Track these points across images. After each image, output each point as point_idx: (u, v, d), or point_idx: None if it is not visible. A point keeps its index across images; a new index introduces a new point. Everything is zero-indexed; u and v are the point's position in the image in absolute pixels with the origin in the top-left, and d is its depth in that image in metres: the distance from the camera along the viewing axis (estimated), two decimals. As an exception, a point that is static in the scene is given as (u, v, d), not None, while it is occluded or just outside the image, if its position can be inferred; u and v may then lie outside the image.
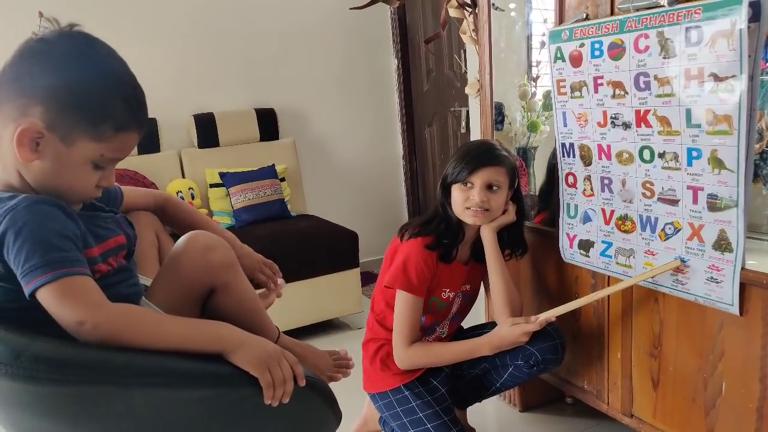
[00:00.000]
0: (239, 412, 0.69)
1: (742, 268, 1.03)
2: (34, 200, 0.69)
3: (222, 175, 2.54)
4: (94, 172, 0.74)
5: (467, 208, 1.31)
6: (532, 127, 1.65)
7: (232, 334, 0.74)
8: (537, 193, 1.62)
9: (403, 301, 1.31)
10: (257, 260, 1.04)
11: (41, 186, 0.73)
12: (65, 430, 0.67)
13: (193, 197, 2.49)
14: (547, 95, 1.54)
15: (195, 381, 0.67)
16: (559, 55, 1.28)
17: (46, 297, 0.66)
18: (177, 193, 2.46)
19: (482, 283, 1.45)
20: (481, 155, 1.31)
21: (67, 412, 0.66)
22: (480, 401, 1.52)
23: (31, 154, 0.70)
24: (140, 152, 2.52)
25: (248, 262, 1.00)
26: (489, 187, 1.30)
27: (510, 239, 1.39)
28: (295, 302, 2.27)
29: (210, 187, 2.54)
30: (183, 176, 2.58)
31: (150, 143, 2.55)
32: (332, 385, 0.86)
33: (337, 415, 0.81)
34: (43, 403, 0.65)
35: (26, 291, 0.67)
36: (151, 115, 3.19)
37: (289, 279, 2.24)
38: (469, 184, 1.30)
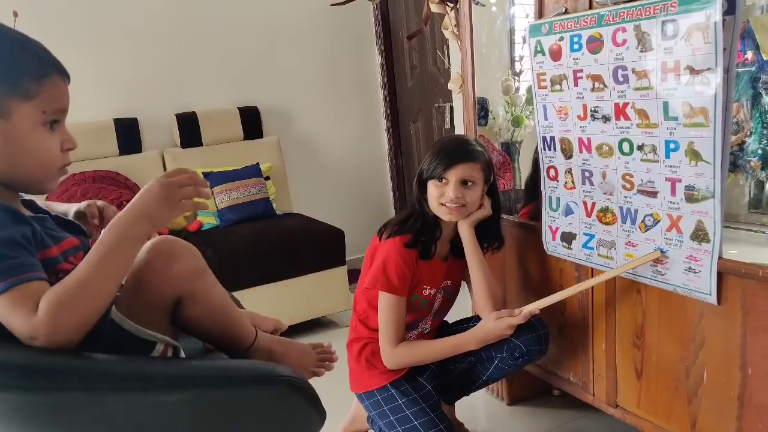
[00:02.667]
0: (219, 414, 0.68)
1: (720, 258, 1.04)
2: None
3: (206, 174, 2.51)
4: (49, 134, 0.72)
5: (442, 204, 1.31)
6: (516, 122, 1.65)
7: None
8: (522, 188, 1.63)
9: (385, 303, 1.31)
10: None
11: (9, 175, 0.71)
12: (40, 437, 0.66)
13: (176, 197, 2.46)
14: (530, 90, 1.54)
15: (169, 384, 0.66)
16: (539, 49, 1.28)
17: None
18: (160, 193, 2.43)
19: (463, 278, 1.46)
20: (456, 151, 1.32)
21: (39, 420, 0.65)
22: (467, 395, 1.52)
23: None
24: (121, 152, 2.49)
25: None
26: (464, 182, 1.30)
27: (486, 233, 1.40)
28: (282, 301, 2.26)
29: (194, 187, 2.52)
30: (166, 176, 2.55)
31: (132, 143, 2.52)
32: (319, 384, 0.85)
33: (321, 414, 0.81)
34: (14, 410, 0.64)
35: None
36: (132, 114, 3.15)
37: (275, 278, 2.27)
38: (444, 180, 1.31)
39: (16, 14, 1.95)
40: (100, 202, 0.95)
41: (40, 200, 0.85)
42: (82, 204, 0.94)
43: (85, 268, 0.68)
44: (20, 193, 0.78)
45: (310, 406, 0.77)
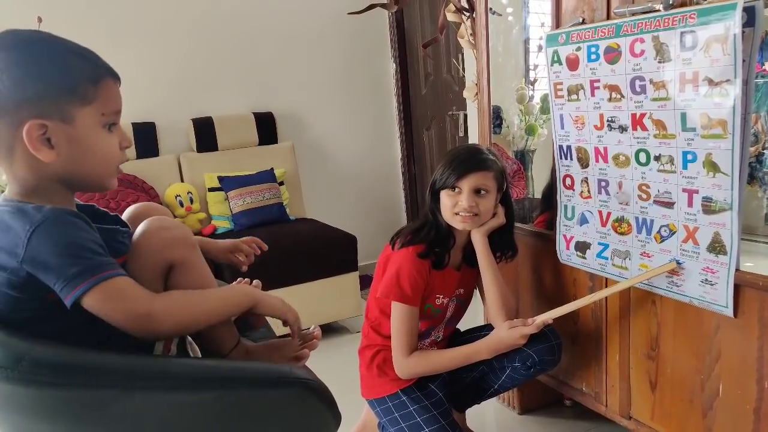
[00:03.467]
0: (238, 414, 0.69)
1: (737, 270, 1.03)
2: (59, 212, 0.71)
3: (221, 179, 2.54)
4: (108, 135, 0.76)
5: (456, 214, 1.31)
6: (530, 131, 1.66)
7: (253, 290, 0.85)
8: (535, 197, 1.63)
9: (398, 312, 1.32)
10: (227, 244, 1.09)
11: (76, 177, 0.75)
12: (66, 433, 0.67)
13: (192, 201, 2.49)
14: (544, 98, 1.55)
15: (195, 383, 0.67)
16: (555, 59, 1.29)
17: (94, 302, 0.69)
18: (176, 197, 2.47)
19: (476, 286, 1.46)
20: (468, 160, 1.32)
21: (67, 416, 0.66)
22: (479, 403, 1.52)
23: (50, 152, 0.71)
24: (139, 156, 2.53)
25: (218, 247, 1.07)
26: (477, 191, 1.31)
27: (500, 242, 1.40)
28: (293, 305, 2.26)
29: (209, 191, 2.55)
30: (182, 180, 2.58)
31: (149, 147, 2.56)
32: (331, 389, 0.85)
33: (337, 417, 0.81)
34: (44, 407, 0.65)
35: (68, 301, 0.68)
36: (149, 119, 3.20)
37: (288, 282, 2.27)
38: (457, 189, 1.31)
39: (40, 19, 2.00)
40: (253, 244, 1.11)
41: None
42: (244, 240, 1.12)
43: (208, 299, 0.80)
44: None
45: (327, 408, 0.77)
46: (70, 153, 0.73)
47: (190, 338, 0.90)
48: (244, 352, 0.90)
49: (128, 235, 0.83)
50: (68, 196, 0.78)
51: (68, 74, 0.72)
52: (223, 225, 2.51)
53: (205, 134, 2.65)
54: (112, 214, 0.88)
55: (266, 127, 2.77)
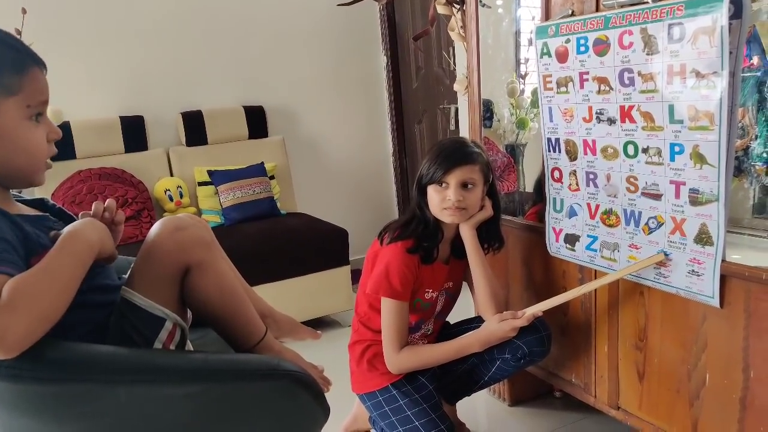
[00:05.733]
0: (226, 408, 0.69)
1: (723, 261, 1.04)
2: None
3: (211, 173, 2.53)
4: (35, 127, 0.73)
5: (444, 209, 1.31)
6: (521, 124, 1.66)
7: (83, 234, 0.72)
8: (526, 190, 1.63)
9: (388, 308, 1.32)
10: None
11: (1, 169, 0.71)
12: (50, 428, 0.66)
13: (181, 195, 2.47)
14: (535, 92, 1.55)
15: (181, 376, 0.66)
16: (545, 51, 1.29)
17: None
18: (165, 191, 2.45)
19: (465, 279, 1.46)
20: (454, 154, 1.31)
21: (51, 411, 0.65)
22: (469, 395, 1.53)
23: None
24: (127, 150, 2.50)
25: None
26: (464, 185, 1.31)
27: (487, 234, 1.40)
28: (285, 300, 2.26)
29: (198, 186, 2.53)
30: (171, 174, 2.56)
31: (138, 141, 2.53)
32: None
33: (325, 410, 0.81)
34: (27, 401, 0.64)
35: None
36: (138, 112, 3.16)
37: (279, 277, 2.27)
38: (444, 184, 1.31)
39: (24, 11, 1.97)
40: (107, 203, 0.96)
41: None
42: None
43: (46, 261, 0.67)
44: (10, 191, 0.78)
45: (315, 402, 0.77)
46: None
47: (189, 342, 0.89)
48: (269, 348, 0.86)
49: (61, 225, 0.78)
50: (1, 192, 0.74)
51: None
52: (214, 219, 2.50)
53: (195, 128, 2.62)
54: (57, 207, 0.85)
55: (256, 121, 2.75)
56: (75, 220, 0.85)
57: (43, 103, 0.74)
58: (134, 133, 2.52)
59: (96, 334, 0.72)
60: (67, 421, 0.65)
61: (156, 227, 0.80)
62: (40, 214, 0.79)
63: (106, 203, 0.86)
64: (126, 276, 0.82)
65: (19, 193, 0.85)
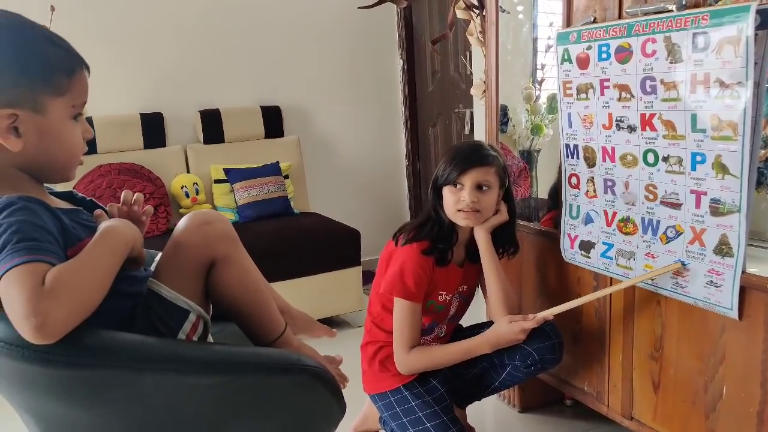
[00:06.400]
0: (246, 400, 0.70)
1: (743, 273, 1.03)
2: (16, 198, 0.69)
3: (227, 171, 2.55)
4: (75, 126, 0.76)
5: (459, 210, 1.31)
6: (536, 131, 1.65)
7: (123, 230, 0.76)
8: (539, 196, 1.63)
9: (401, 309, 1.32)
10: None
11: (39, 167, 0.74)
12: (77, 412, 0.68)
13: (197, 192, 2.50)
14: (551, 98, 1.55)
15: (205, 367, 0.68)
16: (566, 57, 1.29)
17: (4, 281, 0.63)
18: (182, 188, 2.48)
19: (478, 283, 1.46)
20: (470, 156, 1.31)
21: (79, 395, 0.67)
22: (479, 399, 1.52)
23: (18, 141, 0.71)
24: (146, 146, 2.53)
25: None
26: (479, 187, 1.30)
27: (502, 238, 1.40)
28: (296, 298, 2.26)
29: (214, 183, 2.56)
30: (188, 171, 2.59)
31: (156, 137, 2.57)
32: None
33: (342, 408, 0.82)
34: (57, 385, 0.66)
35: None
36: (157, 110, 3.20)
37: (290, 275, 2.28)
38: (459, 185, 1.31)
39: (53, 8, 2.01)
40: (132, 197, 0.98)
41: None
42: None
43: (86, 252, 0.69)
44: (46, 185, 0.81)
45: (333, 397, 0.78)
46: (38, 143, 0.72)
47: (210, 336, 0.90)
48: (288, 344, 0.88)
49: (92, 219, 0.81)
50: (36, 186, 0.77)
51: (45, 64, 0.71)
52: (229, 217, 2.52)
53: (212, 126, 2.65)
54: (88, 199, 0.87)
55: (273, 121, 2.77)
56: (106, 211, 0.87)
57: (85, 103, 0.77)
58: (153, 129, 2.56)
59: (123, 323, 0.74)
60: (95, 407, 0.67)
61: (183, 221, 0.82)
62: (74, 207, 0.81)
63: (135, 196, 0.89)
64: (151, 268, 0.84)
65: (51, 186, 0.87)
